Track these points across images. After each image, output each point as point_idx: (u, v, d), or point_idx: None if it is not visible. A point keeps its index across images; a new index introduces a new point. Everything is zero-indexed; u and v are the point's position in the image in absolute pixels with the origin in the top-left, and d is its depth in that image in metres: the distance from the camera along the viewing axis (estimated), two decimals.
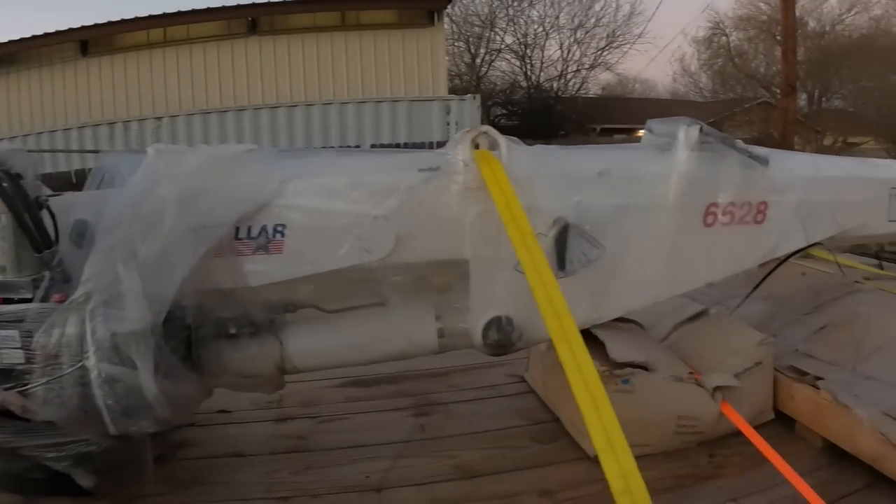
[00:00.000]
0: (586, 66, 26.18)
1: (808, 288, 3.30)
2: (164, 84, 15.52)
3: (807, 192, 2.63)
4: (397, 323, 2.35)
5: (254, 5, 15.19)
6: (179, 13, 15.35)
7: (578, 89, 26.32)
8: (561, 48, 25.60)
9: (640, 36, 29.08)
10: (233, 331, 2.24)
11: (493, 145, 2.23)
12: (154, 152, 2.13)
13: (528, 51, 25.23)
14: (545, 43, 25.38)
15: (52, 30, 15.36)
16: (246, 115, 13.30)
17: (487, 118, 25.96)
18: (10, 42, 15.44)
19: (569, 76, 25.90)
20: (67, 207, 2.11)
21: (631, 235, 2.40)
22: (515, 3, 24.60)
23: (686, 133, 2.42)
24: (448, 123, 12.70)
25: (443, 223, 2.22)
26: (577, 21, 25.19)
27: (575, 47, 25.55)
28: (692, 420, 2.54)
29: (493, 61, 25.72)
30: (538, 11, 25.27)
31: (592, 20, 25.56)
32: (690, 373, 2.63)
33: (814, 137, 22.52)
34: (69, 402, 1.86)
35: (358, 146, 12.44)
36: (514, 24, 25.00)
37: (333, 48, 15.26)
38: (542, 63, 25.60)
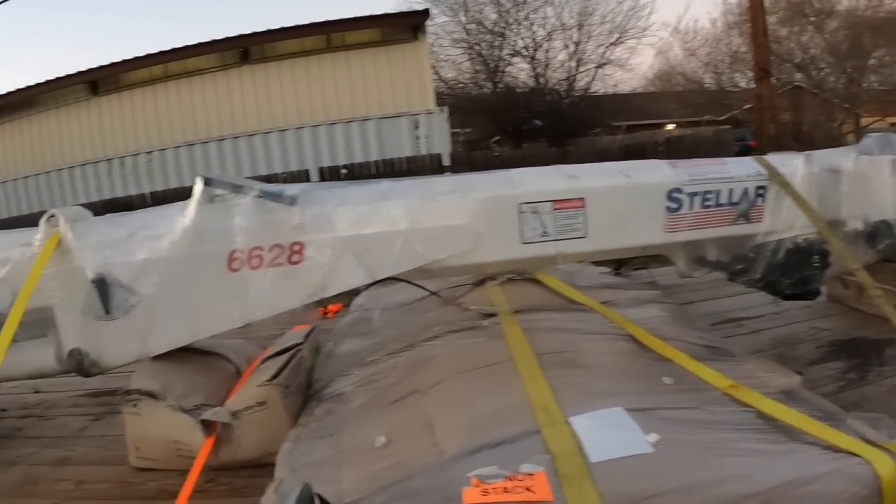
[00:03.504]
0: (595, 65, 25.50)
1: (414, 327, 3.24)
2: (168, 116, 16.15)
3: (357, 224, 2.68)
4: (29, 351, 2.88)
5: (245, 36, 15.68)
6: (177, 49, 15.92)
7: (587, 89, 25.69)
8: (567, 48, 24.94)
9: (645, 29, 28.02)
10: None
11: (56, 223, 2.78)
12: None
13: (536, 54, 24.80)
14: (551, 45, 24.82)
15: (63, 73, 16.32)
16: (241, 143, 13.91)
17: (510, 123, 25.82)
18: (28, 87, 16.54)
19: (578, 76, 25.31)
20: None
21: (160, 284, 2.70)
22: (520, 8, 24.19)
23: (195, 189, 2.70)
24: (417, 138, 12.76)
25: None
26: (580, 19, 24.52)
27: (581, 46, 24.85)
28: (186, 445, 2.68)
29: (506, 67, 25.40)
30: (542, 14, 24.74)
31: (596, 18, 24.84)
32: (202, 404, 2.76)
33: (852, 120, 21.57)
34: None
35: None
36: (521, 28, 24.60)
37: (322, 69, 15.55)
38: (548, 65, 25.07)
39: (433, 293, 3.52)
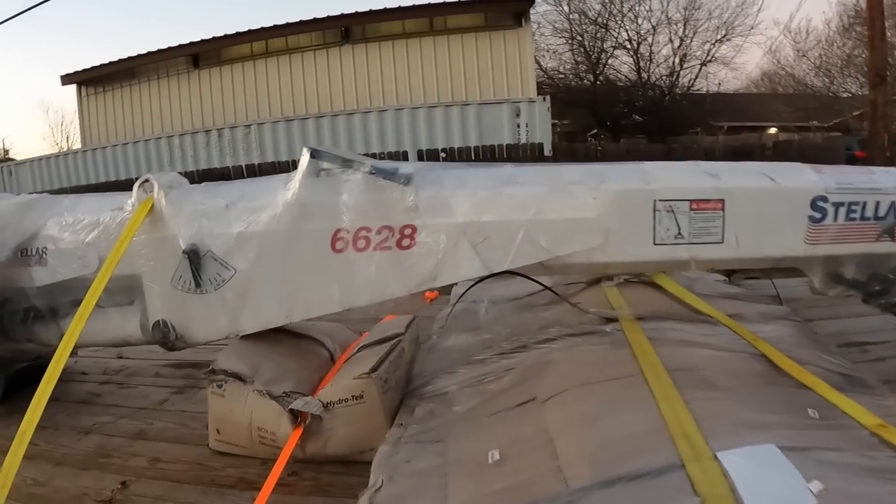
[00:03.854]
0: (700, 62, 24.58)
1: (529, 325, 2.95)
2: (268, 92, 16.48)
3: (476, 210, 2.41)
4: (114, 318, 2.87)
5: (346, 15, 15.82)
6: (278, 26, 16.27)
7: (690, 86, 24.79)
8: (671, 43, 24.10)
9: (753, 27, 26.79)
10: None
11: (151, 189, 2.71)
12: None
13: (640, 47, 24.06)
14: (655, 39, 24.01)
15: (166, 45, 17.02)
16: (339, 121, 13.70)
17: (609, 116, 25.24)
18: (131, 58, 17.32)
19: (681, 72, 24.45)
20: None
21: (256, 259, 2.54)
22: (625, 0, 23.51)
23: (301, 161, 2.50)
24: (518, 126, 12.48)
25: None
26: (686, 14, 23.64)
27: (686, 42, 23.98)
28: (270, 434, 2.50)
29: (608, 59, 24.74)
30: (647, 7, 23.95)
31: (703, 13, 23.89)
32: (292, 392, 2.55)
33: None
34: None
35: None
36: (625, 20, 23.88)
37: (422, 53, 15.46)
38: (651, 59, 24.27)
39: (547, 288, 3.22)
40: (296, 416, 2.45)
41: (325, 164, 2.49)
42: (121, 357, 4.19)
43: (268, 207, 2.51)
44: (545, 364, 2.44)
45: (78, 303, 2.80)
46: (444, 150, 12.59)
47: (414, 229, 2.41)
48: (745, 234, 2.51)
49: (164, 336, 2.73)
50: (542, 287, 3.30)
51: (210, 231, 2.56)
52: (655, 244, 2.48)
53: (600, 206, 2.44)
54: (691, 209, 2.48)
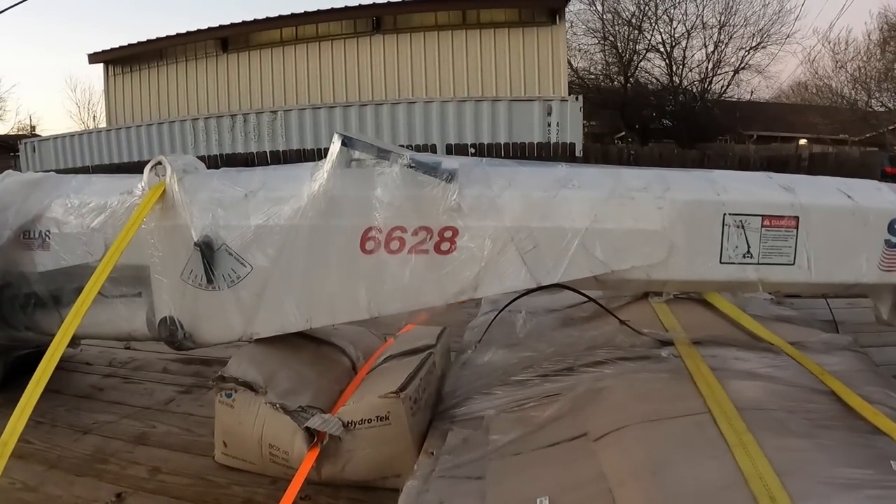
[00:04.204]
0: (733, 69, 24.15)
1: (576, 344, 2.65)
2: (295, 78, 16.40)
3: (524, 216, 2.12)
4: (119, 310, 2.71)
5: (378, 5, 15.62)
6: (309, 13, 16.19)
7: (722, 92, 24.36)
8: (705, 48, 23.67)
9: (789, 35, 26.29)
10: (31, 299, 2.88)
11: (163, 173, 2.49)
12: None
13: (673, 51, 23.65)
14: (689, 43, 23.60)
15: (195, 28, 17.02)
16: (367, 111, 13.51)
17: (638, 120, 24.89)
18: (159, 39, 17.39)
19: (714, 78, 24.03)
20: None
21: (276, 256, 2.32)
22: (660, 2, 23.12)
23: (331, 149, 2.24)
24: (549, 125, 12.20)
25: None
26: (722, 19, 23.21)
27: (721, 47, 23.55)
28: (282, 452, 2.24)
29: (640, 62, 24.36)
30: (682, 10, 23.55)
31: (738, 19, 23.45)
32: (309, 406, 2.25)
33: None
34: None
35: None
36: (659, 23, 23.49)
37: (454, 46, 15.25)
38: (684, 63, 23.86)
39: (594, 301, 2.93)
40: (312, 435, 2.18)
41: (358, 154, 2.23)
42: (128, 348, 3.97)
43: (291, 199, 2.27)
44: (596, 393, 2.16)
45: (81, 290, 2.61)
46: (472, 145, 12.37)
47: (455, 232, 2.14)
48: (817, 257, 2.24)
49: (172, 334, 2.53)
50: (584, 298, 3.02)
51: (226, 222, 2.34)
52: (722, 262, 2.20)
53: (666, 217, 2.16)
54: (763, 226, 2.20)
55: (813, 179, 2.49)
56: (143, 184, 2.51)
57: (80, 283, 2.66)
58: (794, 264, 2.23)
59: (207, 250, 2.32)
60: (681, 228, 2.17)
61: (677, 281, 2.34)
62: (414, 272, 2.16)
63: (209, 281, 2.37)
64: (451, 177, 2.12)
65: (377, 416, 2.15)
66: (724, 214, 2.17)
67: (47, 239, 2.78)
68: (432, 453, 2.09)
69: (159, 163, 2.48)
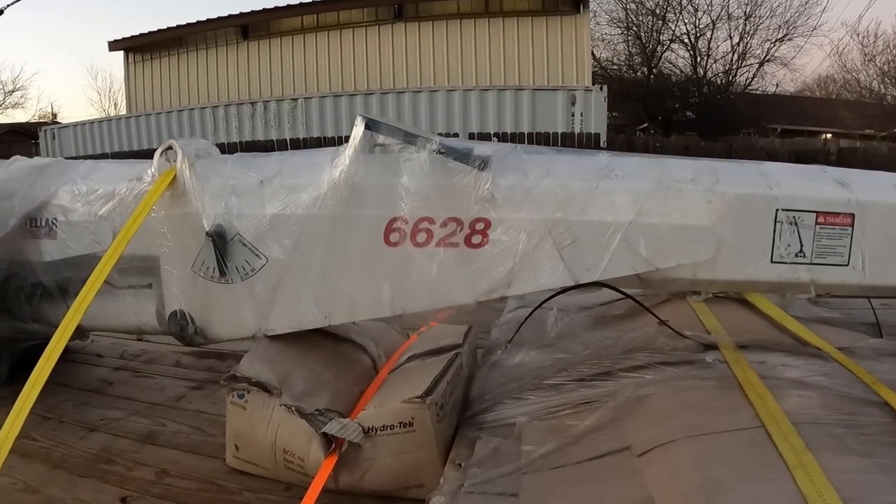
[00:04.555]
0: (758, 61, 23.76)
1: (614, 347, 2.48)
2: (316, 66, 16.35)
3: (565, 206, 1.95)
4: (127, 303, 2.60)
5: None
6: (330, 0, 15.95)
7: (747, 85, 24.01)
8: (730, 39, 23.31)
9: (816, 28, 25.82)
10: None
11: (175, 158, 2.36)
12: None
13: (698, 42, 23.31)
14: (714, 34, 23.25)
15: (215, 15, 17.05)
16: (389, 99, 13.46)
17: (661, 111, 24.61)
18: (179, 26, 17.51)
19: (739, 71, 23.68)
20: None
21: (293, 248, 2.18)
22: None
23: (354, 133, 2.07)
24: (572, 115, 12.01)
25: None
26: (748, 10, 22.83)
27: (747, 39, 23.17)
28: (298, 458, 2.09)
29: (664, 52, 24.05)
30: (706, 0, 23.20)
31: (764, 10, 23.05)
32: (326, 409, 2.09)
33: None
34: None
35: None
36: (684, 13, 23.14)
37: (476, 35, 15.10)
38: (709, 55, 23.50)
39: (631, 298, 2.76)
40: (330, 442, 2.03)
41: (382, 139, 2.06)
42: (141, 339, 3.85)
43: (310, 187, 2.11)
44: (638, 401, 1.99)
45: None
46: (495, 134, 12.24)
47: (487, 224, 1.97)
48: (872, 258, 2.05)
49: (182, 329, 2.40)
50: (619, 296, 2.84)
51: (240, 211, 2.20)
52: (773, 262, 2.02)
53: (715, 212, 1.98)
54: (817, 223, 2.01)
55: (868, 174, 2.30)
56: (153, 170, 2.38)
57: (87, 273, 2.57)
58: (847, 265, 2.05)
59: (220, 240, 2.19)
60: (730, 224, 1.99)
61: (724, 281, 2.16)
62: (442, 267, 1.99)
63: (221, 273, 2.24)
64: (483, 164, 1.95)
65: (400, 423, 1.99)
66: (777, 210, 1.99)
67: (54, 227, 2.68)
68: (460, 465, 1.93)
69: (170, 147, 2.35)
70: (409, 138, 2.01)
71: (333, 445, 2.02)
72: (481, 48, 15.28)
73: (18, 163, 2.97)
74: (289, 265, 2.18)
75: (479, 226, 1.96)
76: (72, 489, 2.29)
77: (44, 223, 2.72)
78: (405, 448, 2.01)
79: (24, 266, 2.80)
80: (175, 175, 2.29)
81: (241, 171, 2.30)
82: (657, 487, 1.58)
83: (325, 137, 12.74)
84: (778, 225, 2.00)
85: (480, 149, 2.02)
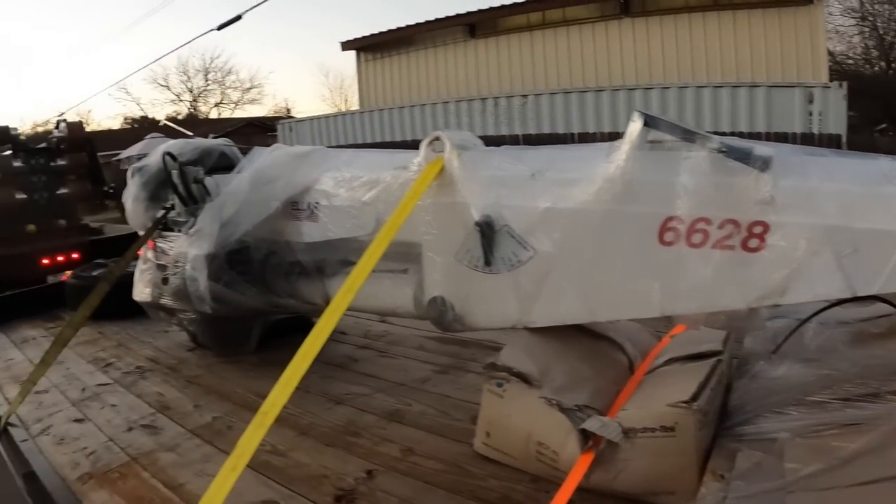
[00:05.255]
0: None
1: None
2: (545, 63, 16.49)
3: (847, 212, 1.82)
4: (385, 285, 2.67)
5: None
6: None
7: None
8: None
9: None
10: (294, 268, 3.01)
11: (441, 148, 2.42)
12: (257, 151, 3.26)
13: None
14: None
15: (442, 15, 17.64)
16: (619, 95, 13.26)
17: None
18: (408, 26, 18.33)
19: None
20: (217, 181, 3.23)
21: (563, 242, 2.15)
22: None
23: (630, 128, 2.01)
24: (810, 114, 11.18)
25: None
26: None
27: None
28: (551, 452, 2.07)
29: None
30: None
31: None
32: (585, 406, 2.08)
33: None
34: (179, 288, 3.19)
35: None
36: None
37: (706, 28, 14.50)
38: None
39: None
40: (587, 438, 2.01)
41: (655, 136, 2.00)
42: (384, 321, 4.01)
43: (583, 181, 2.09)
44: None
45: (346, 263, 2.68)
46: (731, 134, 11.64)
47: (766, 227, 1.86)
48: None
49: (441, 315, 2.46)
50: (881, 312, 2.60)
51: (510, 203, 2.22)
52: None
53: None
54: None
55: None
56: (419, 159, 2.45)
57: (345, 255, 2.75)
58: None
59: (488, 231, 2.22)
60: None
61: None
62: (716, 270, 1.89)
63: (487, 263, 2.27)
64: (765, 165, 1.85)
65: (661, 427, 1.94)
66: None
67: (315, 211, 2.84)
68: (722, 476, 1.85)
69: (437, 138, 2.41)
70: (688, 136, 1.94)
71: (590, 443, 2.01)
72: (712, 43, 14.58)
73: (280, 150, 3.18)
74: (557, 259, 2.17)
75: (757, 229, 1.87)
76: (318, 456, 2.43)
77: (305, 206, 2.87)
78: (663, 452, 1.96)
79: (283, 245, 2.95)
80: (443, 165, 2.36)
81: (510, 162, 2.33)
82: None
83: (555, 134, 12.75)
84: None
85: (762, 149, 1.91)
